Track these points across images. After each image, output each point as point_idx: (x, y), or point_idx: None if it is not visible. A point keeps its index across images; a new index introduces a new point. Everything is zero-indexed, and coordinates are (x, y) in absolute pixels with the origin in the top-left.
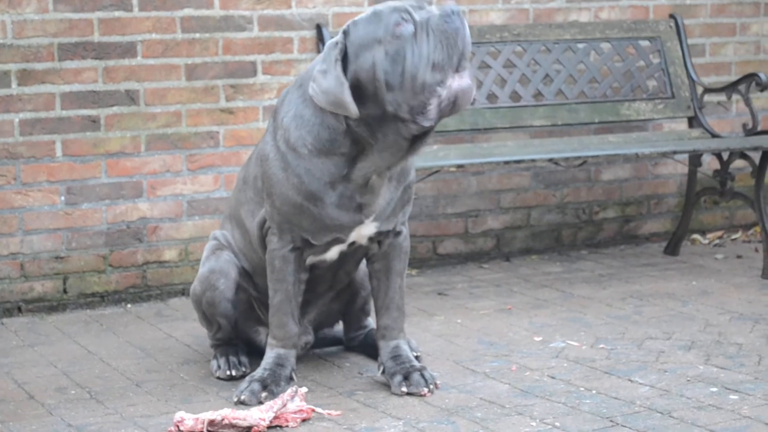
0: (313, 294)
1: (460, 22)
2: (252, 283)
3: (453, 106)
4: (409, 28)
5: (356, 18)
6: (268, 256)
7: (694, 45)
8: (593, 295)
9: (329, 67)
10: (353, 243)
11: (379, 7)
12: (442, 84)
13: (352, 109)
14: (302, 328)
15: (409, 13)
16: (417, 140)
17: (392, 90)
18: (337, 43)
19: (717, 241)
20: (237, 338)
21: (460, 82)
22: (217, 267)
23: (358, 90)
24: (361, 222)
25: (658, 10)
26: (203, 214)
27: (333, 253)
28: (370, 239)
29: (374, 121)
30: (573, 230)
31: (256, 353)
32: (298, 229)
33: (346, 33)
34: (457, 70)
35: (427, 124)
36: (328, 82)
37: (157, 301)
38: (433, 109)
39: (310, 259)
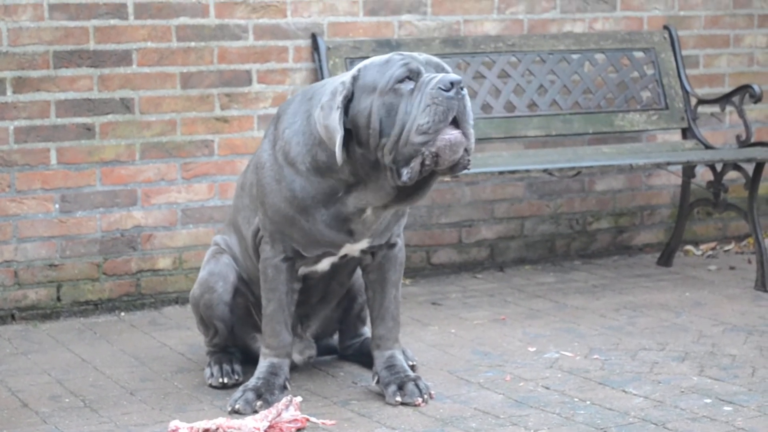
0: (308, 305)
1: (455, 94)
2: (250, 289)
3: (436, 162)
4: (409, 85)
5: (370, 61)
6: (261, 265)
7: (688, 56)
8: (587, 305)
9: (333, 106)
10: (345, 255)
11: (396, 56)
12: (427, 145)
13: (339, 157)
14: (305, 341)
15: (417, 73)
16: (407, 191)
17: (382, 138)
18: (344, 84)
19: (710, 253)
20: (233, 345)
21: (446, 138)
22: (216, 270)
23: (356, 129)
24: (351, 242)
25: (652, 21)
26: (197, 222)
27: (324, 265)
28: (363, 252)
29: (367, 162)
30: (567, 241)
31: (251, 361)
32: (289, 240)
33: (355, 77)
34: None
35: (404, 179)
36: (328, 121)
37: (151, 310)
38: (414, 166)
39: (302, 270)
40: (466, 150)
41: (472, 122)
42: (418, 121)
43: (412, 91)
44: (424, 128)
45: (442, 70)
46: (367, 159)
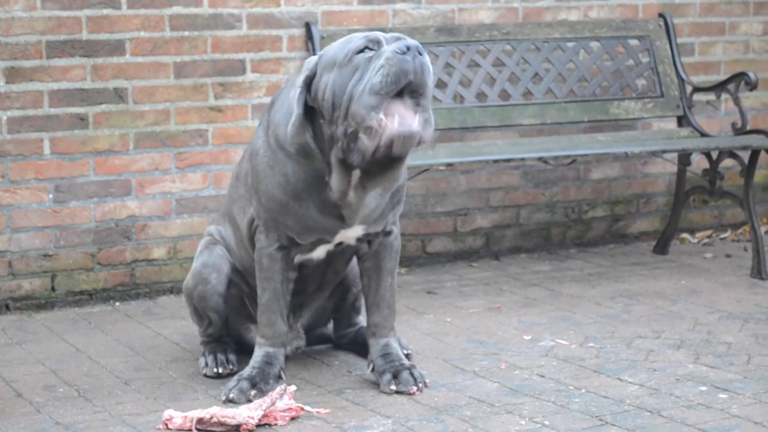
0: (304, 295)
1: (412, 58)
2: (244, 280)
3: (389, 147)
4: (368, 54)
5: (330, 45)
6: (256, 255)
7: (684, 44)
8: (582, 293)
9: (296, 84)
10: (340, 243)
11: (358, 34)
12: (377, 110)
13: (290, 134)
14: (294, 332)
15: (377, 42)
16: (372, 174)
17: (334, 110)
18: (308, 64)
19: (706, 240)
20: (227, 335)
21: (402, 123)
22: (210, 261)
23: (319, 107)
24: (344, 227)
25: (647, 9)
26: (192, 212)
27: (320, 252)
28: (359, 240)
29: (331, 141)
30: (562, 229)
31: (245, 352)
32: (284, 228)
33: (321, 56)
34: (407, 106)
35: (354, 160)
36: (291, 100)
37: (145, 299)
38: (364, 144)
39: (298, 258)
40: (424, 122)
41: (429, 97)
42: (372, 81)
43: (371, 59)
44: (376, 88)
45: (404, 39)
46: (331, 139)
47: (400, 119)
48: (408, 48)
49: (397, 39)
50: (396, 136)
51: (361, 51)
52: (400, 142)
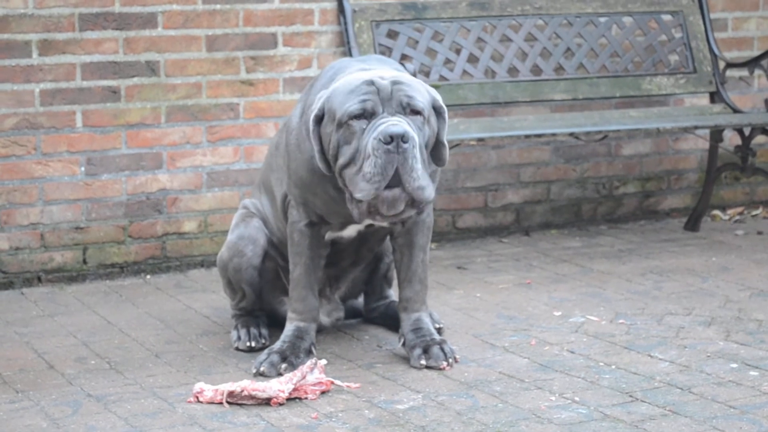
0: (338, 268)
1: (395, 149)
2: (279, 252)
3: (378, 212)
4: (362, 124)
5: (342, 84)
6: (288, 229)
7: (717, 19)
8: (613, 270)
9: (310, 121)
10: (371, 224)
11: (363, 86)
12: (367, 195)
13: (321, 167)
14: (333, 303)
15: (372, 113)
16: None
17: (336, 162)
18: (318, 103)
19: (737, 217)
20: (260, 309)
21: (384, 195)
22: (246, 234)
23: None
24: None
25: None
26: (223, 185)
27: (350, 231)
28: (391, 222)
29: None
30: (593, 205)
31: (278, 325)
32: (312, 206)
33: (328, 98)
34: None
35: (354, 216)
36: (309, 135)
37: (176, 273)
38: (362, 208)
39: (329, 236)
40: (411, 202)
41: (417, 175)
42: (364, 168)
43: (364, 130)
44: (367, 177)
45: (402, 108)
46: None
47: (387, 205)
48: (392, 138)
49: (399, 100)
50: (380, 204)
51: (358, 116)
52: (386, 213)
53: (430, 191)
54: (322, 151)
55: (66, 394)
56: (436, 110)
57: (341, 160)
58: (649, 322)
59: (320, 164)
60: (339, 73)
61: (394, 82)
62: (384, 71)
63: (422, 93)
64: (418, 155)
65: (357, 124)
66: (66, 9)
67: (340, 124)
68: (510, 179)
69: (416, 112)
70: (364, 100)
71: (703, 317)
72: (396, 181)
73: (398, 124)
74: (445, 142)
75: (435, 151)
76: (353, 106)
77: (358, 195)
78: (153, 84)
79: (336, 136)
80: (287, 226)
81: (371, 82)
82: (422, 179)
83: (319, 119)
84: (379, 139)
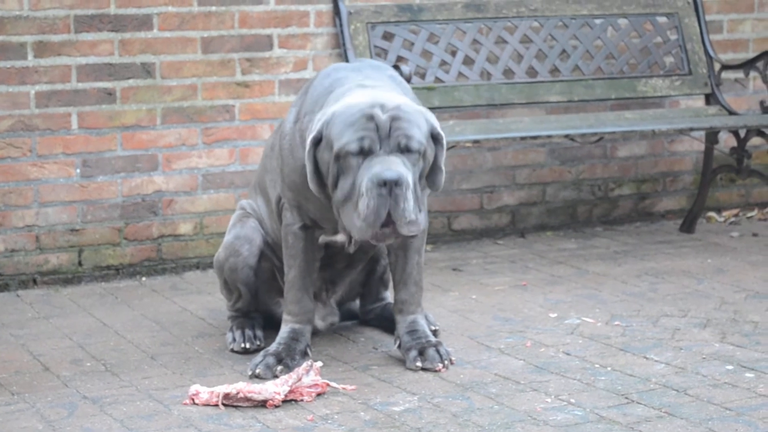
0: (333, 270)
1: (388, 193)
2: (275, 253)
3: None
4: (359, 160)
5: (341, 110)
6: (282, 231)
7: (712, 21)
8: (608, 272)
9: (307, 143)
10: None
11: (362, 119)
12: (362, 233)
13: (313, 188)
14: (328, 307)
15: (369, 150)
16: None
17: (333, 189)
18: (318, 127)
19: (733, 219)
20: (256, 310)
21: (377, 233)
22: (242, 233)
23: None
24: None
25: None
26: (218, 187)
27: (343, 236)
28: None
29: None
30: (588, 207)
31: (274, 327)
32: (306, 210)
33: (326, 123)
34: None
35: (355, 236)
36: (304, 154)
37: (172, 275)
38: (357, 231)
39: (323, 239)
40: (407, 224)
41: (408, 215)
42: (359, 207)
43: (361, 166)
44: (362, 215)
45: (398, 146)
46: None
47: (377, 240)
48: (385, 183)
49: (397, 139)
50: (373, 243)
51: (355, 153)
52: (378, 243)
53: (420, 224)
54: (315, 172)
55: (62, 396)
56: (434, 137)
57: (339, 195)
58: (645, 324)
59: (312, 185)
60: (336, 85)
61: (393, 118)
62: (382, 92)
63: (420, 126)
64: (410, 196)
65: (354, 160)
66: (61, 11)
67: (338, 157)
68: (505, 181)
69: (412, 150)
70: (362, 138)
71: (699, 319)
72: (388, 220)
73: (392, 168)
74: (443, 168)
75: (431, 176)
76: (352, 143)
77: (353, 233)
78: (148, 86)
79: (334, 166)
80: (281, 228)
81: (371, 117)
82: (413, 215)
83: (317, 142)
84: (373, 182)
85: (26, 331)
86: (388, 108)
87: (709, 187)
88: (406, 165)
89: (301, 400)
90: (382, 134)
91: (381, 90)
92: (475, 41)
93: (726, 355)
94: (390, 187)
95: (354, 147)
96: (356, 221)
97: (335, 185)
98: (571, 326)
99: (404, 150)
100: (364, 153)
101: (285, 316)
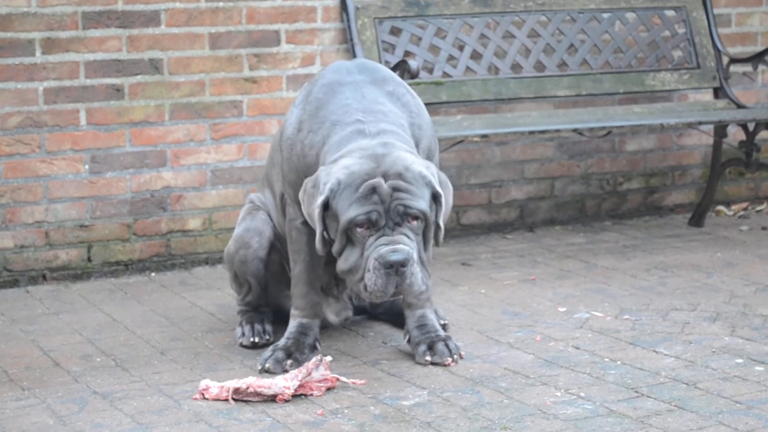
0: None
1: (395, 273)
2: (284, 246)
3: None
4: (365, 233)
5: (345, 176)
6: (287, 226)
7: (720, 15)
8: (617, 266)
9: (315, 201)
10: None
11: (366, 190)
12: (370, 298)
13: (319, 249)
14: (341, 302)
15: (375, 223)
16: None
17: (338, 255)
18: (325, 189)
19: (742, 213)
20: (266, 304)
21: (386, 300)
22: (252, 226)
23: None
24: None
25: None
26: (227, 183)
27: None
28: None
29: None
30: (597, 201)
31: (284, 321)
32: None
33: (333, 189)
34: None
35: (361, 292)
36: (311, 211)
37: (181, 270)
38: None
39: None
40: (407, 287)
41: (416, 288)
42: (366, 280)
43: (366, 239)
44: (369, 289)
45: (400, 216)
46: None
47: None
48: (391, 265)
49: (400, 212)
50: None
51: (362, 226)
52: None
53: (427, 290)
54: (324, 233)
55: (72, 392)
56: (434, 197)
57: (344, 266)
58: (654, 318)
59: (318, 245)
60: (336, 109)
61: (395, 188)
62: (383, 148)
63: (422, 193)
64: (416, 270)
65: (360, 233)
66: (69, 7)
67: (345, 227)
68: (514, 175)
69: (414, 217)
70: (368, 212)
71: (708, 312)
72: (396, 292)
73: (398, 249)
74: (441, 225)
75: (429, 233)
76: (359, 217)
77: (364, 294)
78: (156, 82)
79: (341, 238)
80: (285, 223)
81: (373, 190)
82: (422, 287)
83: (326, 206)
84: (380, 262)
85: (36, 327)
86: (390, 175)
87: (718, 181)
88: (410, 236)
89: (311, 395)
90: (386, 207)
91: (381, 139)
92: (482, 36)
93: (736, 348)
94: (396, 268)
95: (361, 220)
96: (363, 291)
97: (341, 253)
98: (581, 320)
99: (407, 218)
100: (370, 226)
101: (293, 311)
